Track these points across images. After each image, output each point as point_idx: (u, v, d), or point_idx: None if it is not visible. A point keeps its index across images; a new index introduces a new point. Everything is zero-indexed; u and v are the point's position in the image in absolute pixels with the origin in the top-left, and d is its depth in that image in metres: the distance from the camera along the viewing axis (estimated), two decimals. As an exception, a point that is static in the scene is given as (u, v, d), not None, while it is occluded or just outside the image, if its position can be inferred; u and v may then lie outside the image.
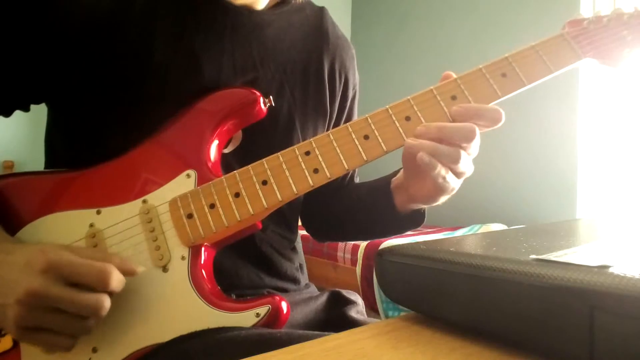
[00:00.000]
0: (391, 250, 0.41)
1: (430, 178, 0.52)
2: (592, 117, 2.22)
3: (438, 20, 2.85)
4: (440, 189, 0.54)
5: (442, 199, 0.57)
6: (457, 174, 0.53)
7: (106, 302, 0.45)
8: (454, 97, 0.54)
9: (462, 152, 0.51)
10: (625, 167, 2.17)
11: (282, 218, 0.68)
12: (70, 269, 0.44)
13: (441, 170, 0.51)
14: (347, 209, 0.74)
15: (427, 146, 0.51)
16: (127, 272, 0.47)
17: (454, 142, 0.50)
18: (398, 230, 0.70)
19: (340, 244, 2.06)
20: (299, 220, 0.77)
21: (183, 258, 0.52)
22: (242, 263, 0.63)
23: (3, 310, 0.44)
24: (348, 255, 2.02)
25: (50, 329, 0.45)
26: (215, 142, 0.57)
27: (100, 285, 0.45)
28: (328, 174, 0.52)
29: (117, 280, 0.46)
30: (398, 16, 3.11)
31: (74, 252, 0.46)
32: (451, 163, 0.51)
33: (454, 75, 0.55)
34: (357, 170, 0.76)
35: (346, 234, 0.79)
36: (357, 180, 0.79)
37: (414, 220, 0.66)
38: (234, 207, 0.52)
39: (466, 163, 0.52)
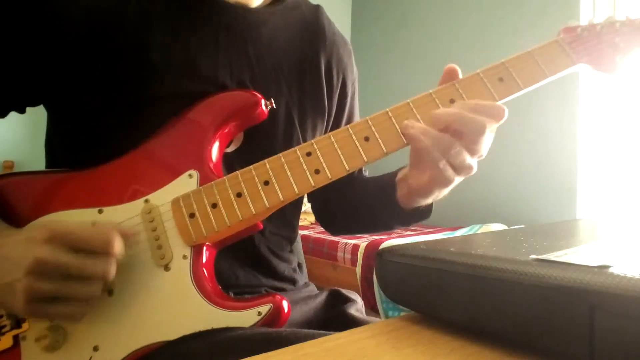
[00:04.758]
0: (391, 250, 0.41)
1: (428, 167, 0.53)
2: (592, 117, 2.22)
3: (438, 20, 2.85)
4: (436, 180, 0.53)
5: (438, 195, 0.57)
6: (455, 168, 0.52)
7: (113, 266, 0.46)
8: (452, 101, 0.54)
9: (457, 143, 0.50)
10: (625, 167, 2.17)
11: (283, 217, 0.68)
12: (73, 236, 0.45)
13: (437, 156, 0.51)
14: (355, 202, 0.74)
15: (427, 131, 0.51)
16: (126, 236, 0.48)
17: (460, 132, 0.50)
18: (402, 224, 0.70)
19: (341, 244, 2.06)
20: (310, 214, 0.78)
21: (185, 257, 0.52)
22: (239, 264, 0.63)
23: (11, 288, 0.45)
24: (348, 255, 2.02)
25: (60, 297, 0.46)
26: (217, 143, 0.57)
27: (104, 247, 0.45)
28: (329, 175, 0.53)
29: (120, 244, 0.47)
30: (398, 16, 3.11)
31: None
32: (448, 153, 0.51)
33: (457, 68, 0.55)
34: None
35: (355, 227, 0.80)
36: (366, 173, 0.79)
37: (416, 216, 0.66)
38: (236, 206, 0.52)
39: (466, 159, 0.52)
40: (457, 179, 0.54)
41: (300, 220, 0.76)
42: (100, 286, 0.47)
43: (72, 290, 0.46)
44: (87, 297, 0.47)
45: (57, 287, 0.45)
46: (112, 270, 0.46)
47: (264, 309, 0.51)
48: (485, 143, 0.52)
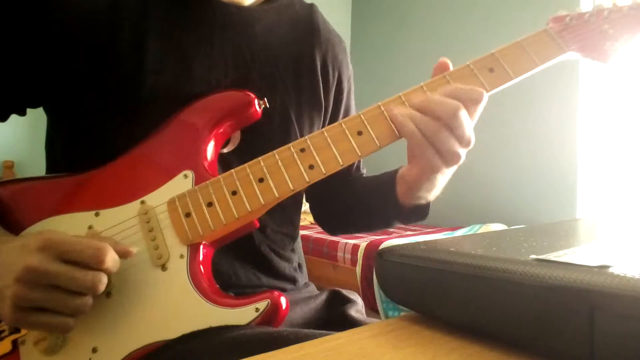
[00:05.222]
0: (391, 250, 0.41)
1: (418, 156, 0.53)
2: (593, 117, 2.22)
3: (438, 20, 2.85)
4: (425, 168, 0.54)
5: (429, 186, 0.57)
6: (442, 154, 0.52)
7: (104, 279, 0.46)
8: None
9: (443, 128, 0.50)
10: (625, 167, 2.17)
11: (284, 214, 0.68)
12: (66, 246, 0.45)
13: (423, 141, 0.51)
14: (352, 201, 0.74)
15: (408, 113, 0.51)
16: (121, 254, 0.48)
17: (435, 115, 0.50)
18: (401, 221, 0.70)
19: (341, 244, 2.06)
20: (310, 214, 0.78)
21: (182, 256, 0.52)
22: (240, 263, 0.63)
23: (1, 294, 0.44)
24: (348, 255, 2.02)
25: (48, 308, 0.45)
26: (212, 143, 0.57)
27: (95, 261, 0.45)
28: (323, 170, 0.53)
29: (112, 258, 0.46)
30: (398, 16, 3.11)
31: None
32: (435, 137, 0.50)
33: (449, 62, 0.56)
34: (362, 162, 0.78)
35: (353, 226, 0.80)
36: (364, 172, 0.80)
37: (414, 214, 0.66)
38: (231, 204, 0.53)
39: (453, 145, 0.51)
40: (447, 170, 0.54)
41: (300, 220, 0.76)
42: (89, 300, 0.46)
43: (59, 301, 0.45)
44: (73, 310, 0.45)
45: (44, 297, 0.44)
46: (104, 282, 0.45)
47: (262, 305, 0.51)
48: (466, 128, 0.50)
